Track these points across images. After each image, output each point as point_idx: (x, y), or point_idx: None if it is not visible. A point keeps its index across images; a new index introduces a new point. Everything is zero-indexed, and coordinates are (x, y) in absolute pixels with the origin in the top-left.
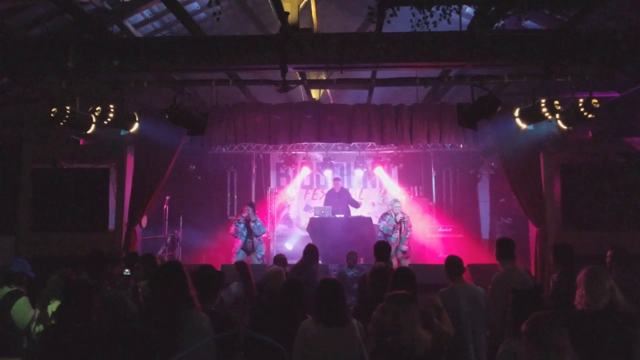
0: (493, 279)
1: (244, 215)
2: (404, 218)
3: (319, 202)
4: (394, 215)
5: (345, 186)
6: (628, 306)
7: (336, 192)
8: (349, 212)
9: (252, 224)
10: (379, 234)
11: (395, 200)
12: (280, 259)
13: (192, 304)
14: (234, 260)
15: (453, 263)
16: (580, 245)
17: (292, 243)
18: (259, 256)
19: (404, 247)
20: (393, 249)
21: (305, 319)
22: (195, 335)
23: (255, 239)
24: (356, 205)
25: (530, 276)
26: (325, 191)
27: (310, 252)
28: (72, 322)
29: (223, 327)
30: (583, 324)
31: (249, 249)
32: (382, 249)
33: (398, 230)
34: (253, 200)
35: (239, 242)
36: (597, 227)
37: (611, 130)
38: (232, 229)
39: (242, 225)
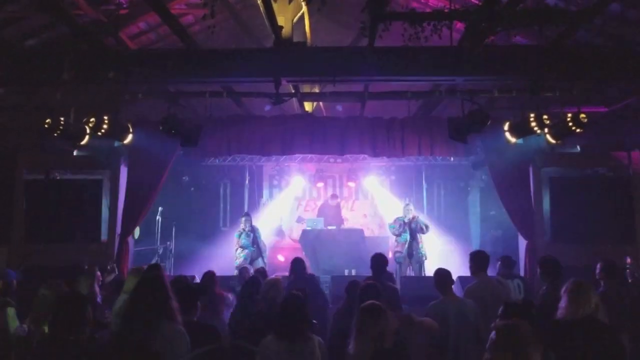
0: (465, 290)
1: (246, 226)
2: (415, 218)
3: (311, 214)
4: (403, 216)
5: (338, 199)
6: (605, 319)
7: (331, 205)
8: (339, 225)
9: (258, 239)
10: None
11: (407, 204)
12: (261, 271)
13: (172, 318)
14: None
15: (442, 276)
16: (568, 258)
17: (284, 255)
18: (262, 264)
19: (420, 252)
20: (405, 249)
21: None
22: (169, 348)
23: (260, 247)
24: (341, 221)
25: (503, 287)
26: (318, 202)
27: (297, 266)
28: (65, 334)
29: (206, 338)
30: (561, 333)
31: (253, 259)
32: (378, 262)
33: (407, 229)
34: (246, 211)
35: (245, 254)
36: (586, 240)
37: (599, 144)
38: (243, 241)
39: (251, 235)
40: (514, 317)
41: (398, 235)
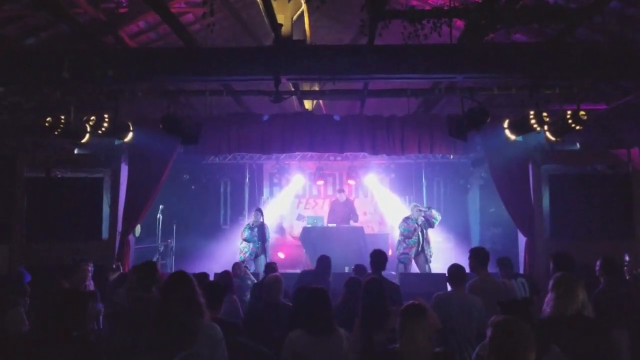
0: (467, 286)
1: (253, 220)
2: (425, 220)
3: (311, 212)
4: (415, 219)
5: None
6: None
7: (340, 202)
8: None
9: (267, 234)
10: (399, 237)
11: (415, 205)
12: (272, 267)
13: (201, 313)
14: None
15: (455, 271)
16: None
17: (284, 252)
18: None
19: (429, 251)
20: (413, 251)
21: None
22: (208, 343)
23: (266, 243)
24: (355, 218)
25: (507, 288)
26: (318, 200)
27: (323, 263)
28: (67, 331)
29: (231, 335)
30: (551, 329)
31: (258, 254)
32: (377, 257)
33: (419, 233)
34: (246, 209)
35: (251, 249)
36: (585, 237)
37: (598, 141)
38: (246, 234)
39: (256, 230)
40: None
41: (409, 238)
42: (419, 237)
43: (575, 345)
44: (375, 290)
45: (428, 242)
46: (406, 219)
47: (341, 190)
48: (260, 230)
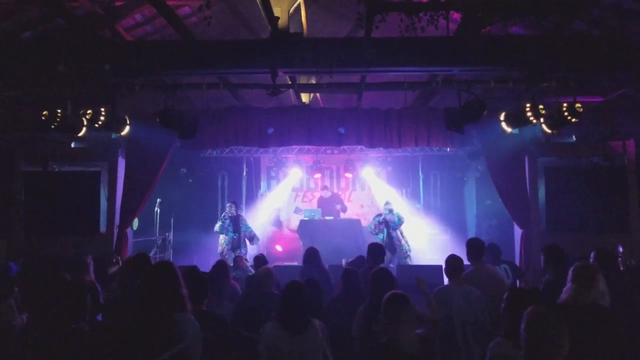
0: (462, 276)
1: (226, 212)
2: (388, 217)
3: (309, 205)
4: (382, 216)
5: (335, 189)
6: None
7: (326, 197)
8: (339, 215)
9: (241, 226)
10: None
11: (386, 203)
12: (260, 259)
13: (184, 307)
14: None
15: (451, 262)
16: (563, 246)
17: (281, 245)
18: (243, 252)
19: (404, 247)
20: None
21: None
22: (180, 337)
23: (241, 235)
24: (343, 208)
25: (498, 276)
26: (315, 194)
27: (310, 256)
28: (67, 324)
29: (215, 327)
30: (569, 318)
31: (234, 246)
32: (374, 250)
33: (384, 229)
34: (244, 202)
35: (226, 240)
36: (581, 229)
37: (594, 134)
38: (217, 225)
39: (227, 221)
40: (520, 304)
41: (375, 234)
42: (384, 234)
43: (587, 334)
44: (386, 279)
45: (398, 240)
46: (376, 216)
47: (325, 187)
48: (234, 222)
